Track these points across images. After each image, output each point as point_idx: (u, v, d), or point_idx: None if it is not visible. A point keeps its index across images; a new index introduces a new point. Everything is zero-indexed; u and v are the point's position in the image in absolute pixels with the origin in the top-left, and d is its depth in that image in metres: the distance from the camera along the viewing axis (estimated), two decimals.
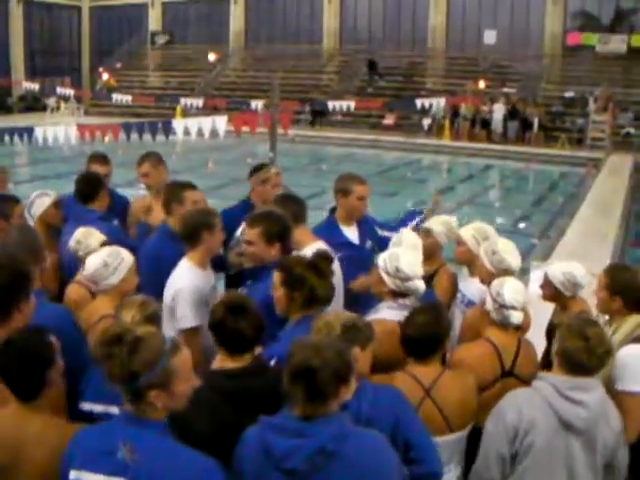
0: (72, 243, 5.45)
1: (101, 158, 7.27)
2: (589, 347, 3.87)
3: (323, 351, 3.16)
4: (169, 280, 5.13)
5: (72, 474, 3.13)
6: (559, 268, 5.09)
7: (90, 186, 6.51)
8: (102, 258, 4.76)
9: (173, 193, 5.98)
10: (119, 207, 6.98)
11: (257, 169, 6.73)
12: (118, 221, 6.76)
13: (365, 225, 6.35)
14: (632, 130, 30.89)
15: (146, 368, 3.07)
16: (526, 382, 4.23)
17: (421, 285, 4.77)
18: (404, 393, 4.00)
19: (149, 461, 3.04)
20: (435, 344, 4.27)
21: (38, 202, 6.28)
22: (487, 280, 4.97)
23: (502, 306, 4.54)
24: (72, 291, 5.31)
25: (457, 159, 29.82)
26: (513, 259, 5.14)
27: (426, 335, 4.23)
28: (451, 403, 4.17)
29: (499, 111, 32.34)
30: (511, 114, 32.25)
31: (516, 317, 4.54)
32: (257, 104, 25.51)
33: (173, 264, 5.26)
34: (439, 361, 4.33)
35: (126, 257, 4.83)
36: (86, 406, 3.94)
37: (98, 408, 3.90)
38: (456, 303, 5.68)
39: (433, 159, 30.42)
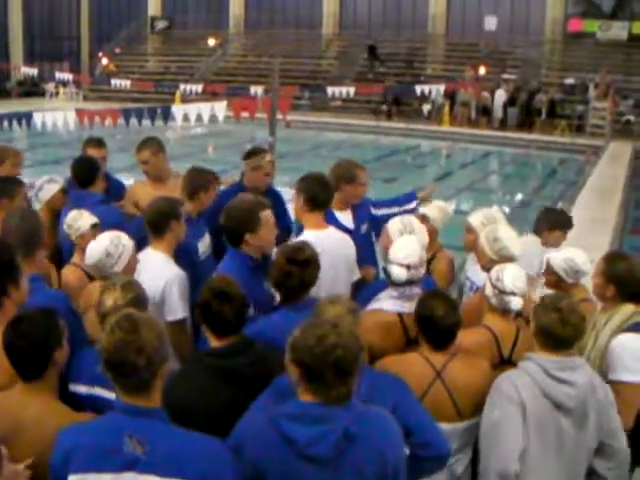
0: (64, 227, 5.47)
1: (97, 142, 7.27)
2: (562, 317, 3.90)
3: (349, 336, 3.15)
4: (147, 273, 4.96)
5: (72, 478, 3.05)
6: (561, 255, 5.07)
7: (88, 170, 6.52)
8: (104, 247, 4.74)
9: (200, 181, 6.06)
10: (115, 192, 6.98)
11: (251, 153, 6.72)
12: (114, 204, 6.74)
13: (360, 208, 6.32)
14: (632, 117, 30.80)
15: (156, 354, 3.07)
16: None
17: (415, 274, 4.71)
18: (414, 374, 4.05)
19: (161, 451, 3.02)
20: (455, 334, 4.24)
21: (47, 187, 6.33)
22: (488, 267, 4.95)
23: (502, 292, 4.53)
24: (68, 273, 5.32)
25: (456, 145, 29.77)
26: (514, 246, 5.12)
27: (450, 327, 4.20)
28: (461, 387, 4.13)
29: (500, 97, 32.25)
30: (511, 101, 32.16)
31: (516, 303, 4.52)
32: (256, 90, 25.45)
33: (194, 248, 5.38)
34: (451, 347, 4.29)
35: (127, 243, 4.82)
36: (79, 389, 3.93)
37: (82, 389, 3.91)
38: (464, 290, 5.70)
39: (432, 145, 30.32)
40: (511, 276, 4.55)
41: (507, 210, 17.61)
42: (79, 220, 5.46)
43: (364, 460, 3.15)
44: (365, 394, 3.34)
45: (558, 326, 3.91)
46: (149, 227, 5.26)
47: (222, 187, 6.43)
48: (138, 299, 4.08)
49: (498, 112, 32.33)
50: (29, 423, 3.38)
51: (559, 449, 3.92)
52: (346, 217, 6.16)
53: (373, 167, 19.64)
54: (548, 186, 22.19)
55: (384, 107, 34.95)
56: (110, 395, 3.56)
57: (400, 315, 4.59)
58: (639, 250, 14.50)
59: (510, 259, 5.02)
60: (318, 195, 5.51)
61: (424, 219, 5.91)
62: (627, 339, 4.45)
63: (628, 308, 4.61)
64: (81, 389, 3.90)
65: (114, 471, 3.00)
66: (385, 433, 3.27)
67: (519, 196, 20.19)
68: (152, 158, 6.86)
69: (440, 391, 4.13)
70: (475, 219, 5.69)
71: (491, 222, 5.58)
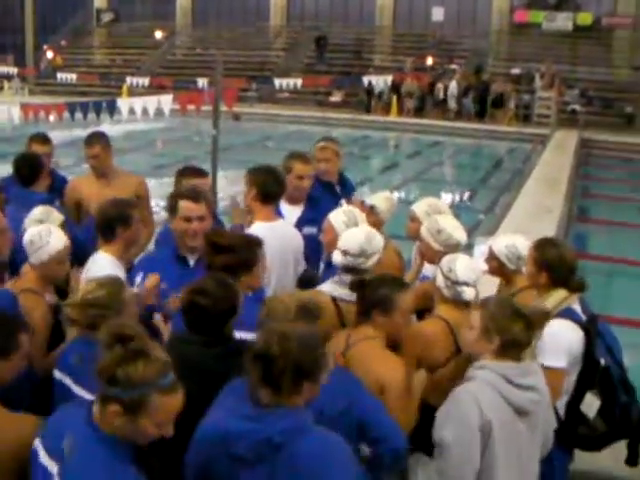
0: (30, 223, 5.33)
1: (42, 138, 7.14)
2: (528, 323, 3.89)
3: (288, 341, 3.10)
4: (91, 275, 4.84)
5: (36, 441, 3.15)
6: (503, 242, 5.13)
7: (31, 168, 6.41)
8: (32, 233, 4.73)
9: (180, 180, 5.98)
10: (59, 188, 6.88)
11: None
12: (59, 202, 6.64)
13: (318, 208, 6.12)
14: (578, 107, 31.18)
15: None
16: None
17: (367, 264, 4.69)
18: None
19: (74, 461, 2.97)
20: (367, 307, 4.25)
21: None
22: (436, 259, 4.95)
23: (454, 283, 4.52)
24: (26, 269, 5.24)
25: (405, 136, 29.93)
26: (459, 233, 5.14)
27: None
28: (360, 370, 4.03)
29: (453, 89, 32.51)
30: (465, 91, 32.43)
31: (469, 293, 4.52)
32: (204, 82, 25.36)
33: None
34: (377, 326, 4.23)
35: (53, 242, 4.71)
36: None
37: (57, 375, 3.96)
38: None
39: (381, 136, 30.45)
40: (463, 266, 4.54)
41: (454, 199, 17.76)
42: (49, 217, 5.38)
43: (284, 472, 3.06)
44: (320, 395, 3.27)
45: (525, 333, 3.88)
46: (98, 231, 5.16)
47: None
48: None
49: (452, 103, 32.58)
50: None
51: (519, 452, 3.90)
52: (293, 212, 6.12)
53: None
54: (495, 175, 22.42)
55: (335, 98, 35.02)
56: (76, 389, 3.72)
57: (334, 299, 4.58)
58: (585, 238, 14.80)
59: (457, 247, 5.05)
60: (270, 188, 5.52)
61: (372, 210, 5.91)
62: (557, 325, 4.49)
63: (559, 294, 4.67)
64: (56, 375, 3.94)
65: (50, 452, 3.07)
66: (322, 458, 3.08)
67: (466, 185, 20.34)
68: (102, 153, 6.79)
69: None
70: (419, 207, 5.70)
71: (435, 210, 5.58)
